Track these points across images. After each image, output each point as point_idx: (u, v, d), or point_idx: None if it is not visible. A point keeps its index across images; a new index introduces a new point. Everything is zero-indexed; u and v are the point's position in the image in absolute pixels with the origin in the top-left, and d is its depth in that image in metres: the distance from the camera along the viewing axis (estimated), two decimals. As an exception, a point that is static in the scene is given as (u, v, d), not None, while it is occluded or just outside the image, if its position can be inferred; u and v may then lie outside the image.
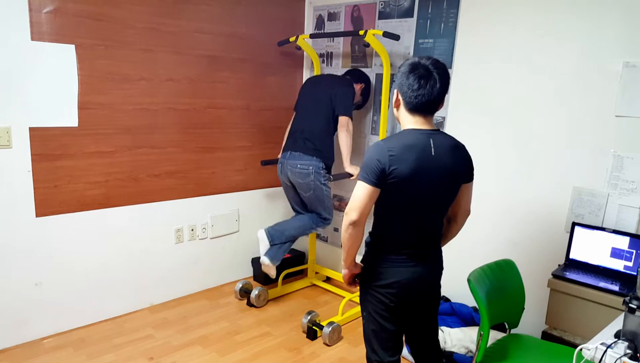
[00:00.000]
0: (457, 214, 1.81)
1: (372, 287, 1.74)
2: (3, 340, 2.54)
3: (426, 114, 1.64)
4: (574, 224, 2.31)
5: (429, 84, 1.58)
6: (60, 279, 2.69)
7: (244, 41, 3.26)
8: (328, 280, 3.65)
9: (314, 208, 2.98)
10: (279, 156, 3.27)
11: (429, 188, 1.62)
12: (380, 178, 1.57)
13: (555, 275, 2.20)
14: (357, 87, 3.06)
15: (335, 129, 2.90)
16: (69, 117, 2.58)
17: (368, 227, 1.71)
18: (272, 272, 2.97)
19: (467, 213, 1.82)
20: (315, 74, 3.44)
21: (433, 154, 1.60)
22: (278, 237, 2.94)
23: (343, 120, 2.84)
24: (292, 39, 3.26)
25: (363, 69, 3.30)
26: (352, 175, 2.92)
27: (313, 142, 2.86)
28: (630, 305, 1.47)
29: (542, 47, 2.45)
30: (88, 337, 2.71)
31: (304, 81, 3.71)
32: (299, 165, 2.85)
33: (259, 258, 3.60)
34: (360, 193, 1.59)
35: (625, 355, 1.43)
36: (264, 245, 2.93)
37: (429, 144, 1.60)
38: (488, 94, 2.69)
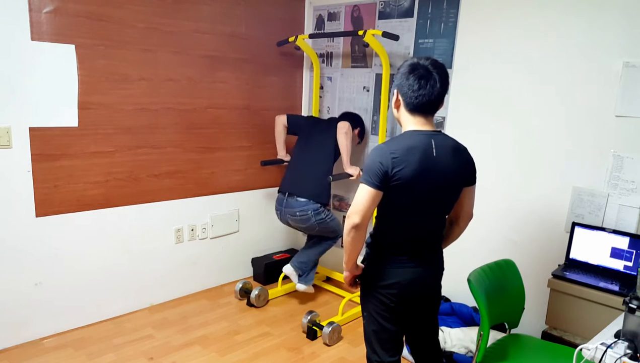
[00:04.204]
0: (459, 217, 1.80)
1: (373, 287, 1.74)
2: (3, 340, 2.54)
3: (427, 114, 1.64)
4: (574, 224, 2.32)
5: (429, 84, 1.58)
6: (60, 279, 2.69)
7: (244, 41, 3.26)
8: (328, 280, 3.65)
9: (322, 236, 3.08)
10: (278, 157, 3.29)
11: (430, 190, 1.62)
12: (383, 181, 1.56)
13: (555, 275, 2.20)
14: (355, 133, 3.10)
15: (333, 166, 3.00)
16: (69, 117, 2.58)
17: (369, 228, 1.71)
18: (311, 290, 3.15)
19: (470, 216, 1.81)
20: (315, 74, 3.45)
21: (435, 155, 1.60)
22: (306, 266, 3.06)
23: (342, 123, 2.88)
24: (291, 39, 3.26)
25: (363, 69, 3.30)
26: (352, 176, 2.93)
27: (310, 186, 2.92)
28: (630, 305, 1.47)
29: (542, 47, 2.45)
30: (88, 337, 2.71)
31: (303, 81, 3.72)
32: (297, 213, 2.92)
33: (259, 258, 3.63)
34: (363, 197, 1.58)
35: (625, 355, 1.43)
36: (293, 276, 3.06)
37: (431, 145, 1.60)
38: (488, 94, 2.69)
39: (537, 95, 2.50)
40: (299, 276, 3.05)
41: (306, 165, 2.99)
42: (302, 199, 2.90)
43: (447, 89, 1.63)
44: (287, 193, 2.98)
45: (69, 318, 2.76)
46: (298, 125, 3.18)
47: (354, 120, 3.13)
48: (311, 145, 3.04)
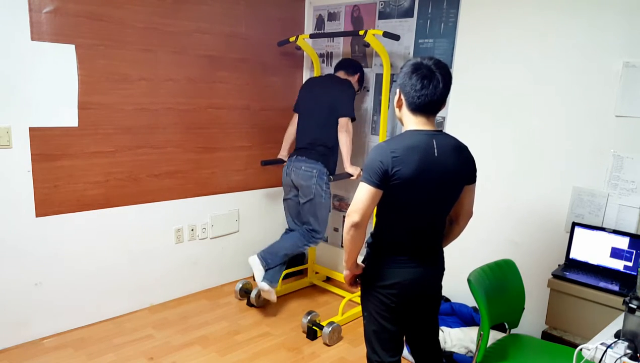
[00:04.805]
0: (459, 215, 1.80)
1: (374, 287, 1.74)
2: (3, 340, 2.54)
3: (429, 114, 1.64)
4: (574, 224, 2.32)
5: (432, 84, 1.58)
6: (60, 279, 2.69)
7: (244, 41, 3.26)
8: (328, 280, 3.65)
9: (306, 218, 2.98)
10: (279, 156, 3.29)
11: (431, 189, 1.62)
12: (382, 180, 1.56)
13: (555, 275, 2.20)
14: (355, 79, 3.05)
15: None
16: (69, 117, 2.58)
17: (369, 227, 1.71)
18: (273, 297, 2.91)
19: (470, 214, 1.81)
20: (315, 74, 3.45)
21: (436, 154, 1.60)
22: (272, 259, 2.90)
23: (343, 120, 2.86)
24: (292, 39, 3.26)
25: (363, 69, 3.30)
26: (352, 176, 2.93)
27: (319, 149, 2.91)
28: (630, 305, 1.47)
29: (542, 47, 2.45)
30: (88, 337, 2.71)
31: (304, 81, 3.72)
32: (303, 167, 2.90)
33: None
34: (363, 195, 1.58)
35: (625, 355, 1.43)
36: (258, 270, 2.87)
37: (432, 145, 1.60)
38: (488, 94, 2.69)
39: (537, 95, 2.50)
40: (265, 271, 2.88)
41: (313, 131, 2.95)
42: (311, 160, 2.90)
43: (449, 89, 1.63)
44: (296, 154, 2.98)
45: (69, 318, 2.76)
46: (300, 101, 3.11)
47: (353, 67, 3.08)
48: (315, 108, 2.97)
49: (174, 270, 3.20)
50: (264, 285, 2.85)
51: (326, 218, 2.99)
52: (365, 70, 3.29)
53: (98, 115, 2.68)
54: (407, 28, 3.00)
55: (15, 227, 2.49)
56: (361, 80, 3.16)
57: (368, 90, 3.31)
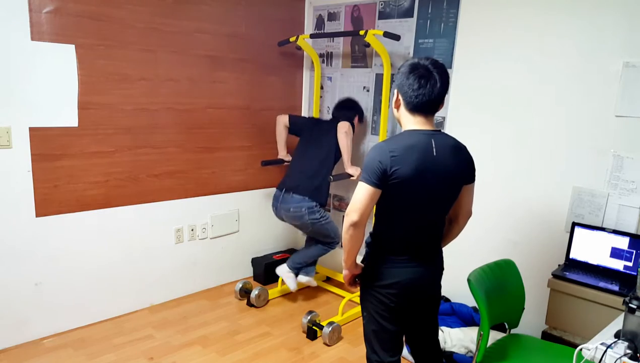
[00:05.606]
0: (458, 215, 1.80)
1: (373, 287, 1.74)
2: (3, 340, 2.54)
3: (427, 114, 1.64)
4: (574, 224, 2.32)
5: (429, 84, 1.58)
6: (60, 279, 2.69)
7: (244, 41, 3.26)
8: (328, 280, 3.65)
9: (317, 238, 3.06)
10: (279, 157, 3.29)
11: (430, 188, 1.62)
12: (381, 179, 1.57)
13: (555, 275, 2.20)
14: (356, 121, 3.10)
15: (333, 166, 3.01)
16: (69, 117, 2.58)
17: (369, 227, 1.71)
18: (314, 283, 3.19)
19: (469, 214, 1.82)
20: (315, 74, 3.46)
21: (435, 154, 1.60)
22: (299, 264, 3.09)
23: (343, 123, 2.88)
24: (292, 39, 3.26)
25: (363, 69, 3.30)
26: (352, 176, 2.93)
27: (307, 184, 2.91)
28: (630, 305, 1.47)
29: (542, 47, 2.45)
30: (88, 337, 2.71)
31: (303, 81, 3.72)
32: (291, 209, 2.91)
33: (259, 258, 3.63)
34: (361, 195, 1.58)
35: (625, 355, 1.43)
36: (290, 278, 3.09)
37: (431, 144, 1.60)
38: (488, 94, 2.69)
39: (537, 95, 2.50)
40: (296, 275, 3.09)
41: (306, 165, 2.98)
42: (298, 196, 2.89)
43: (447, 88, 1.63)
44: (284, 190, 2.97)
45: (69, 318, 2.76)
46: (300, 126, 3.18)
47: (354, 109, 3.12)
48: (312, 145, 3.04)
49: (174, 270, 3.20)
50: (302, 279, 3.10)
51: (335, 228, 3.03)
52: (364, 70, 3.29)
53: (98, 115, 2.68)
54: (407, 28, 3.00)
55: (15, 227, 2.49)
56: (360, 118, 3.19)
57: (368, 90, 3.31)
